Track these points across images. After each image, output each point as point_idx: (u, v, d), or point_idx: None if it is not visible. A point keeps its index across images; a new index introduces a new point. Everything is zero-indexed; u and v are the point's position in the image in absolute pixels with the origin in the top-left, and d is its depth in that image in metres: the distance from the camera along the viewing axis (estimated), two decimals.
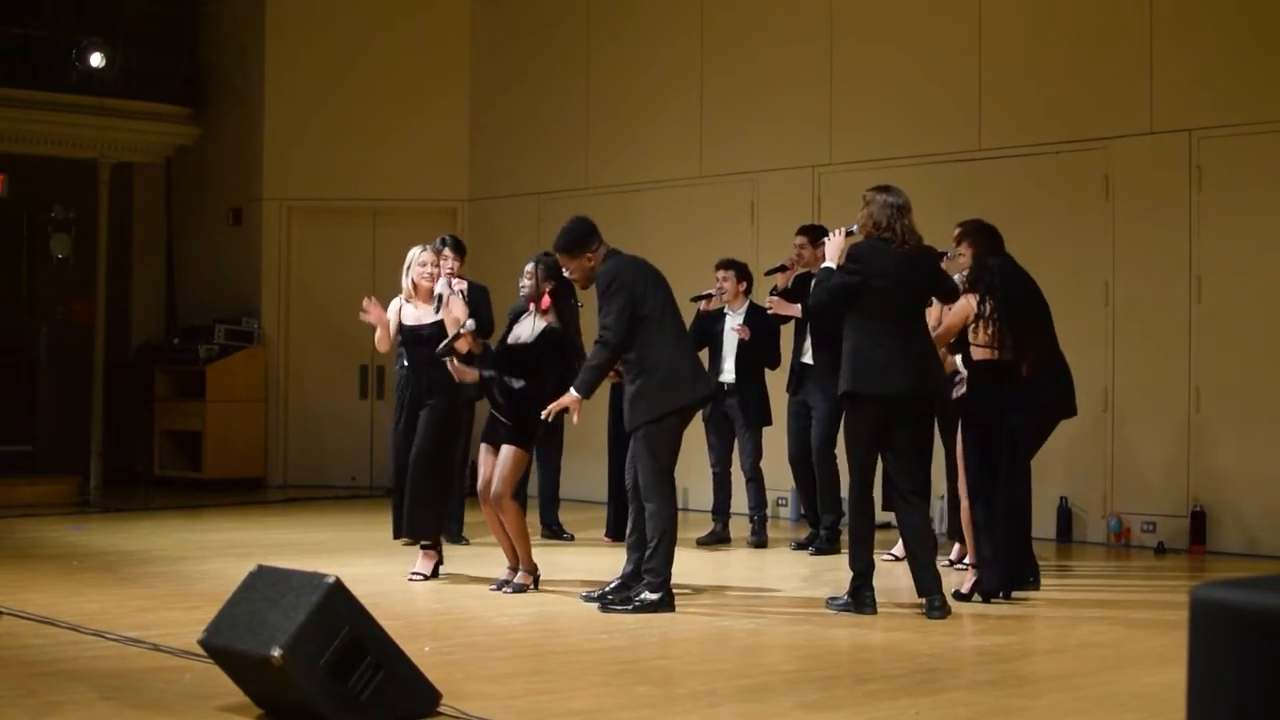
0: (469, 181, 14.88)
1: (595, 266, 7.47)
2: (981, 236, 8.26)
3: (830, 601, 7.50)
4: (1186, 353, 10.25)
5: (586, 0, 13.97)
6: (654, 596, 7.34)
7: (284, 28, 14.92)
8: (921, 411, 7.67)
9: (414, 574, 8.50)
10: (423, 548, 8.61)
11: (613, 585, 7.67)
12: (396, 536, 8.88)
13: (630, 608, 7.31)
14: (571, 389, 7.42)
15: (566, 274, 7.63)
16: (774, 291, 10.11)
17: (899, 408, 7.35)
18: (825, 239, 7.73)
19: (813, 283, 7.65)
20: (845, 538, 9.92)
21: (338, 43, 14.93)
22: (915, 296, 7.45)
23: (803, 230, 10.17)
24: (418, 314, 8.54)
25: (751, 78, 12.69)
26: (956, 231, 8.29)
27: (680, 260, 12.25)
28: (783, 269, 10.11)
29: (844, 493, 10.12)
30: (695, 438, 10.91)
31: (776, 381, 10.51)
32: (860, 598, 7.32)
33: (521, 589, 7.92)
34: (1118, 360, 10.56)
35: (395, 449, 8.66)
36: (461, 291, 8.68)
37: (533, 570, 8.02)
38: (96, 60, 14.26)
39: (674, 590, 7.48)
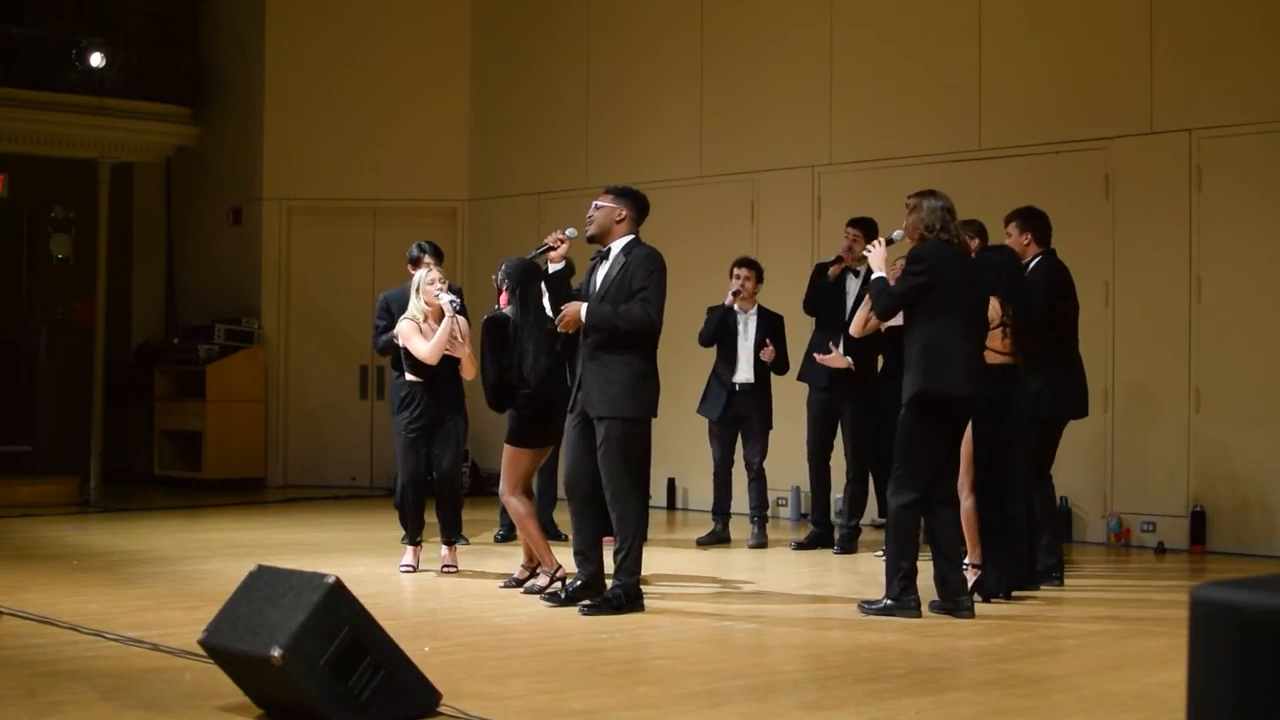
0: (469, 181, 14.88)
1: (615, 224, 7.36)
2: (1033, 221, 8.38)
3: (866, 606, 7.39)
4: (1186, 353, 10.26)
5: (586, 0, 13.98)
6: (631, 595, 7.32)
7: (284, 28, 14.92)
8: (976, 415, 7.62)
9: (447, 567, 8.74)
10: (449, 544, 8.86)
11: (569, 589, 7.56)
12: (413, 542, 8.88)
13: (611, 610, 7.26)
14: (585, 305, 7.24)
15: (593, 210, 7.42)
16: (821, 280, 10.01)
17: (966, 410, 7.33)
18: (874, 244, 7.62)
19: (870, 294, 7.53)
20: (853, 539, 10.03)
21: (338, 43, 14.93)
22: (977, 298, 7.39)
23: (855, 223, 9.98)
24: (431, 331, 8.64)
25: (751, 77, 12.69)
26: (1010, 221, 8.49)
27: (680, 260, 12.22)
28: (838, 260, 10.01)
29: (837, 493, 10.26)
30: (696, 437, 10.92)
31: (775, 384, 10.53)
32: (905, 600, 7.27)
33: (539, 590, 7.93)
34: (1118, 360, 10.56)
35: (412, 460, 8.72)
36: (452, 302, 8.72)
37: (554, 571, 8.05)
38: (96, 60, 14.27)
39: (675, 590, 7.46)
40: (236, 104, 15.22)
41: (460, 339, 8.61)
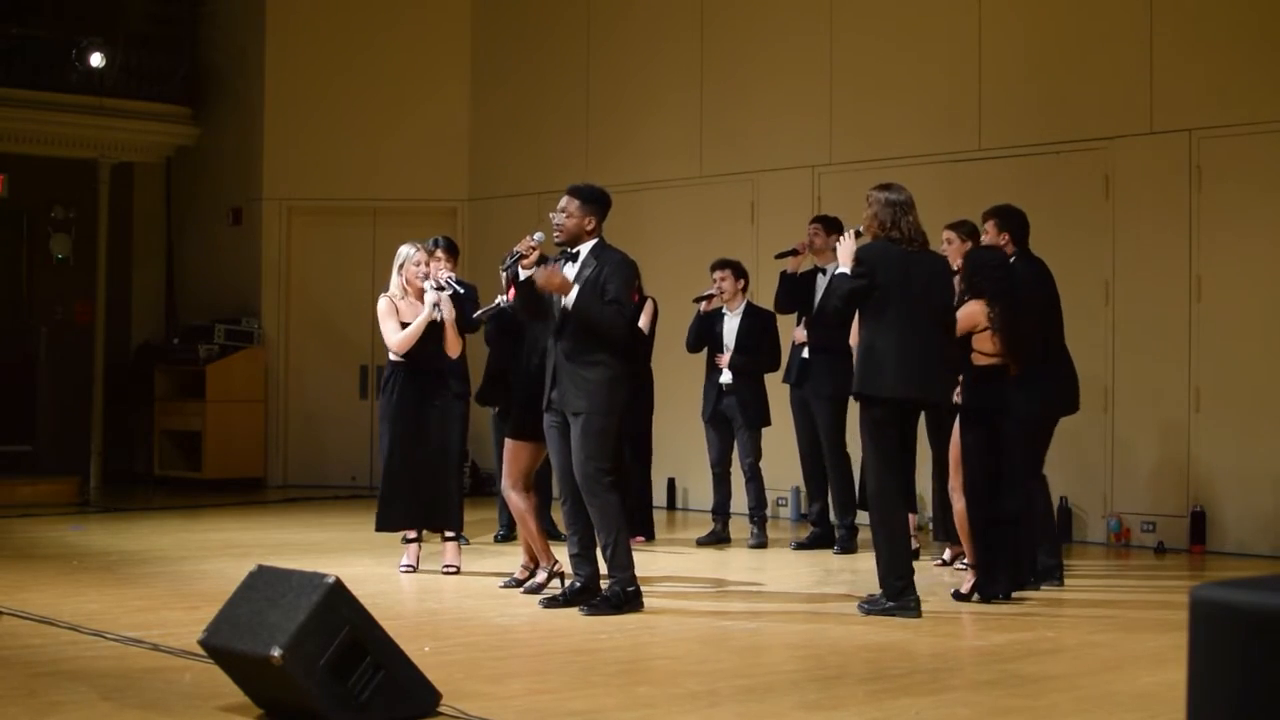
0: (468, 181, 14.88)
1: (585, 233, 7.37)
2: (1012, 220, 8.38)
3: (866, 606, 7.38)
4: (1186, 353, 10.25)
5: (586, 0, 13.98)
6: (629, 590, 7.32)
7: (284, 28, 14.93)
8: (923, 413, 7.68)
9: (447, 567, 8.70)
10: (447, 539, 8.81)
11: (564, 592, 7.55)
12: (384, 530, 8.78)
13: (611, 609, 7.25)
14: (577, 286, 7.23)
15: (561, 218, 7.41)
16: (784, 275, 10.08)
17: (910, 410, 7.35)
18: (842, 237, 7.66)
19: (830, 286, 7.59)
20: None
21: (337, 43, 14.93)
22: (924, 297, 7.35)
23: (818, 218, 10.21)
24: (415, 313, 8.54)
25: (751, 77, 12.69)
26: (988, 219, 8.48)
27: (680, 260, 12.30)
28: (794, 253, 10.08)
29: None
30: (696, 437, 10.92)
31: (774, 382, 10.52)
32: (905, 601, 7.26)
33: (538, 589, 7.94)
34: (1118, 360, 10.56)
35: (398, 445, 8.59)
36: (449, 281, 8.69)
37: (551, 568, 8.05)
38: (96, 60, 14.26)
39: (675, 590, 7.46)
40: (236, 104, 15.22)
41: (440, 317, 8.49)
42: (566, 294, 7.27)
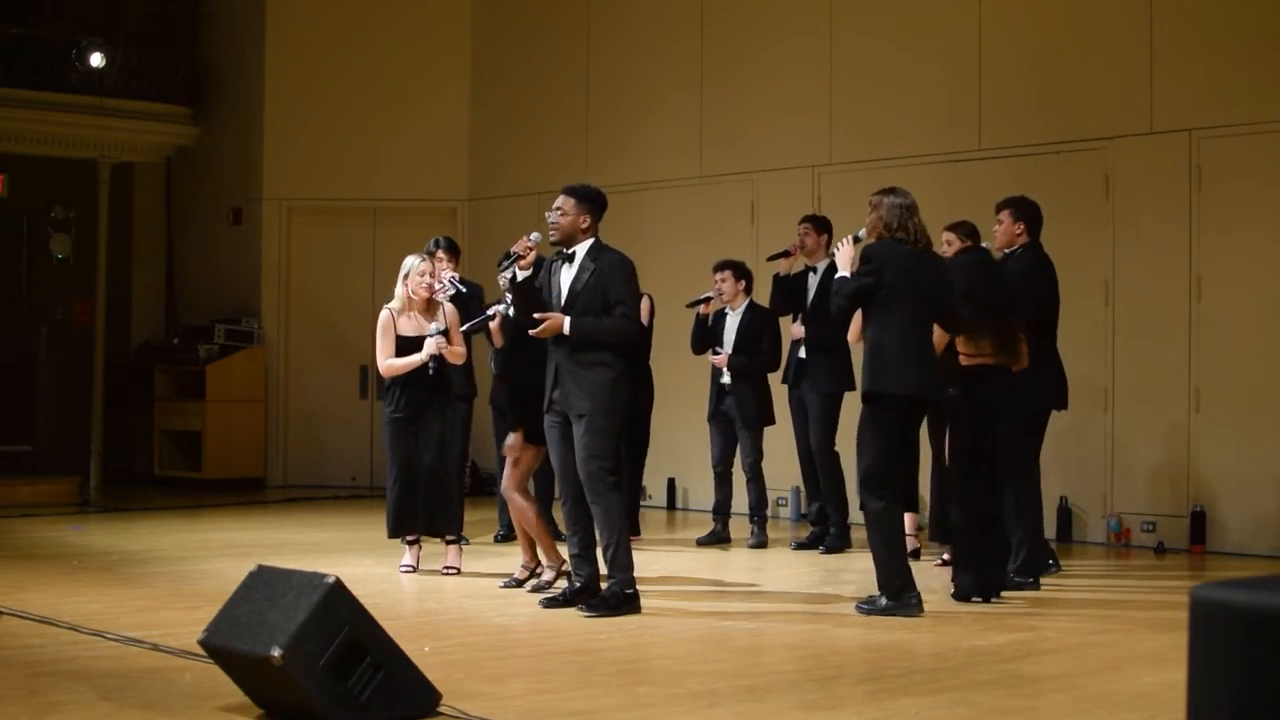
0: (468, 181, 14.88)
1: (580, 231, 7.38)
2: (1027, 211, 8.45)
3: (864, 606, 7.37)
4: (1186, 353, 10.26)
5: (586, 0, 13.98)
6: (628, 591, 7.32)
7: (284, 28, 14.93)
8: (925, 412, 7.69)
9: (448, 568, 8.70)
10: (449, 542, 8.82)
11: (564, 592, 7.54)
12: (396, 535, 8.84)
13: (609, 609, 7.25)
14: (567, 319, 7.24)
15: (556, 216, 7.41)
16: (777, 277, 10.12)
17: (915, 408, 7.38)
18: (840, 243, 7.66)
19: (833, 290, 7.58)
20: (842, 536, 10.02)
21: (337, 43, 14.93)
22: (928, 297, 7.39)
23: (808, 218, 10.23)
24: (416, 324, 8.55)
25: (751, 77, 12.70)
26: (1003, 209, 8.58)
27: (680, 260, 12.30)
28: (786, 254, 10.13)
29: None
30: (696, 437, 10.92)
31: (777, 381, 10.52)
32: (905, 600, 7.26)
33: (545, 588, 7.95)
34: (1118, 360, 10.56)
35: (400, 449, 8.59)
36: (453, 280, 8.68)
37: (557, 566, 8.06)
38: (96, 60, 14.26)
39: (675, 590, 7.45)
40: (236, 104, 15.22)
41: (434, 367, 8.50)
42: (560, 329, 7.27)
